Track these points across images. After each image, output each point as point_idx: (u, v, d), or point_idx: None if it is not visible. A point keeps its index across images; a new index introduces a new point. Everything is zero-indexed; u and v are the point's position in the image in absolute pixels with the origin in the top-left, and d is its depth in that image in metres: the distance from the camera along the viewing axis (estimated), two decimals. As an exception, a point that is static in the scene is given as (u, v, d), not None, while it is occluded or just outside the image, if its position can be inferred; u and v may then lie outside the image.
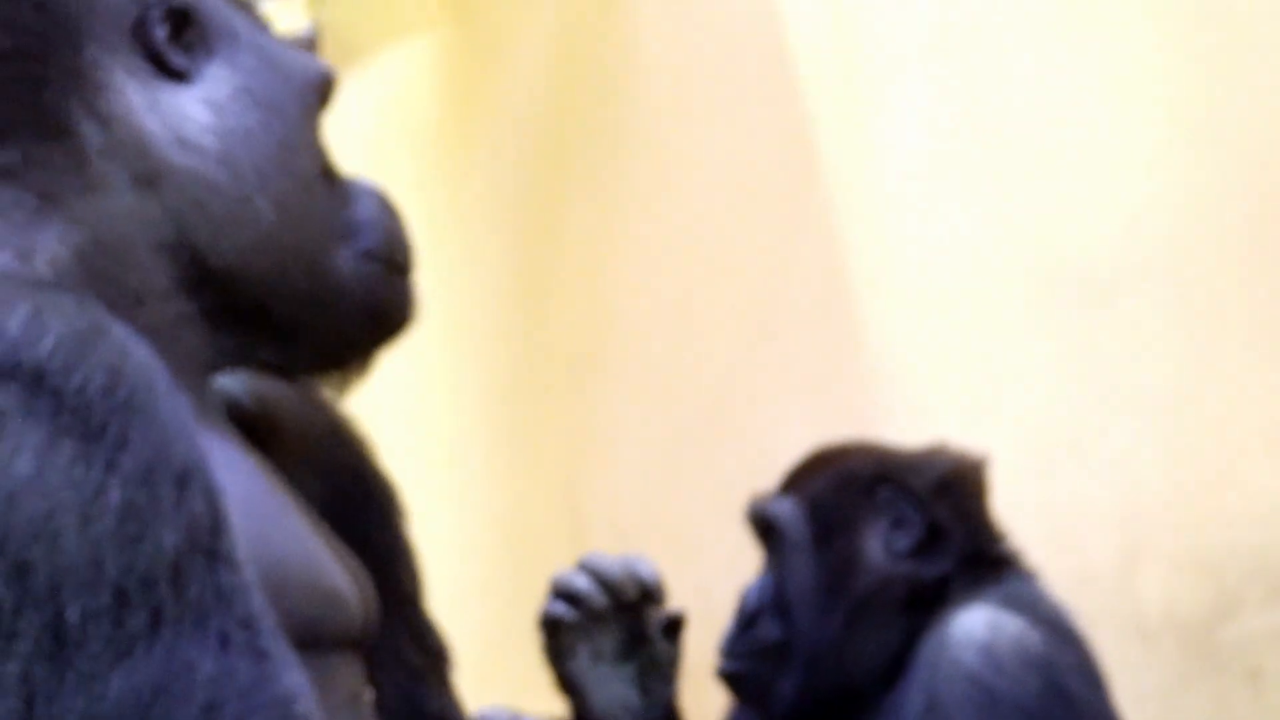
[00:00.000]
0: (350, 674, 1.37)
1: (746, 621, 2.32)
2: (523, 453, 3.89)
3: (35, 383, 1.12)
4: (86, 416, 1.12)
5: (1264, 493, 2.67)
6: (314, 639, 1.27)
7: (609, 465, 3.68)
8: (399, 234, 1.51)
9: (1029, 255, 2.99)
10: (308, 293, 1.42)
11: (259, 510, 1.30)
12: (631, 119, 3.73)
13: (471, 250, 4.01)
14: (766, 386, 3.38)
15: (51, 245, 1.31)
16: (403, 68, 4.26)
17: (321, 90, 1.48)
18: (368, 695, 1.41)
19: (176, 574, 1.12)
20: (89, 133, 1.35)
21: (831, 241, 3.28)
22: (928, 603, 2.23)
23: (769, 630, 2.30)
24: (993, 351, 3.03)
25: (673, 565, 3.50)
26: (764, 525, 2.36)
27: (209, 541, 1.14)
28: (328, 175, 1.47)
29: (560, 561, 3.68)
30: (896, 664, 2.25)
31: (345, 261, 1.45)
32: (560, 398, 3.81)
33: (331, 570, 1.37)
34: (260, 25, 1.49)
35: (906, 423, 3.11)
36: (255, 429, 1.49)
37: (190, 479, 1.14)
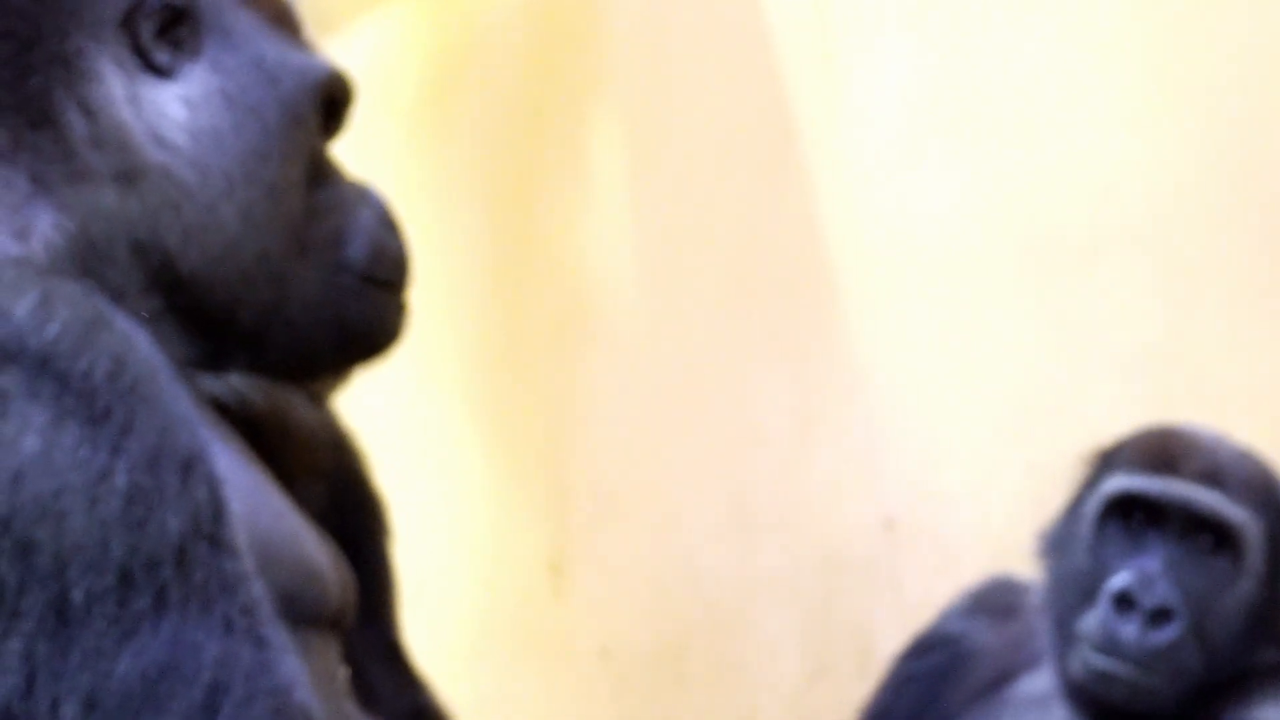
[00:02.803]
0: (326, 652, 1.38)
1: (1180, 635, 2.13)
2: (504, 423, 3.89)
3: (40, 366, 1.13)
4: (91, 400, 1.13)
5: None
6: (292, 614, 1.27)
7: (590, 434, 3.69)
8: (390, 248, 1.48)
9: (1007, 219, 3.00)
10: (271, 305, 1.40)
11: (245, 487, 1.31)
12: (608, 88, 3.73)
13: (450, 220, 4.01)
14: (747, 354, 3.39)
15: (46, 230, 1.31)
16: (380, 38, 4.25)
17: (324, 93, 1.45)
18: (343, 674, 1.41)
19: (181, 558, 1.13)
20: (74, 122, 1.34)
21: (809, 207, 3.28)
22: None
23: (1193, 648, 2.14)
24: (973, 315, 3.04)
25: (656, 533, 3.52)
26: (1203, 522, 2.17)
27: (212, 528, 1.15)
28: (319, 181, 1.45)
29: (544, 531, 3.70)
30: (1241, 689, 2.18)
31: (315, 275, 1.43)
32: (541, 367, 3.81)
33: (313, 551, 1.37)
34: (270, 25, 1.46)
35: (887, 388, 3.12)
36: (263, 429, 1.49)
37: (194, 467, 1.15)
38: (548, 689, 3.68)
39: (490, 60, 3.99)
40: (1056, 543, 2.28)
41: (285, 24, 1.49)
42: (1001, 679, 2.30)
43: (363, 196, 1.48)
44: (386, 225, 1.49)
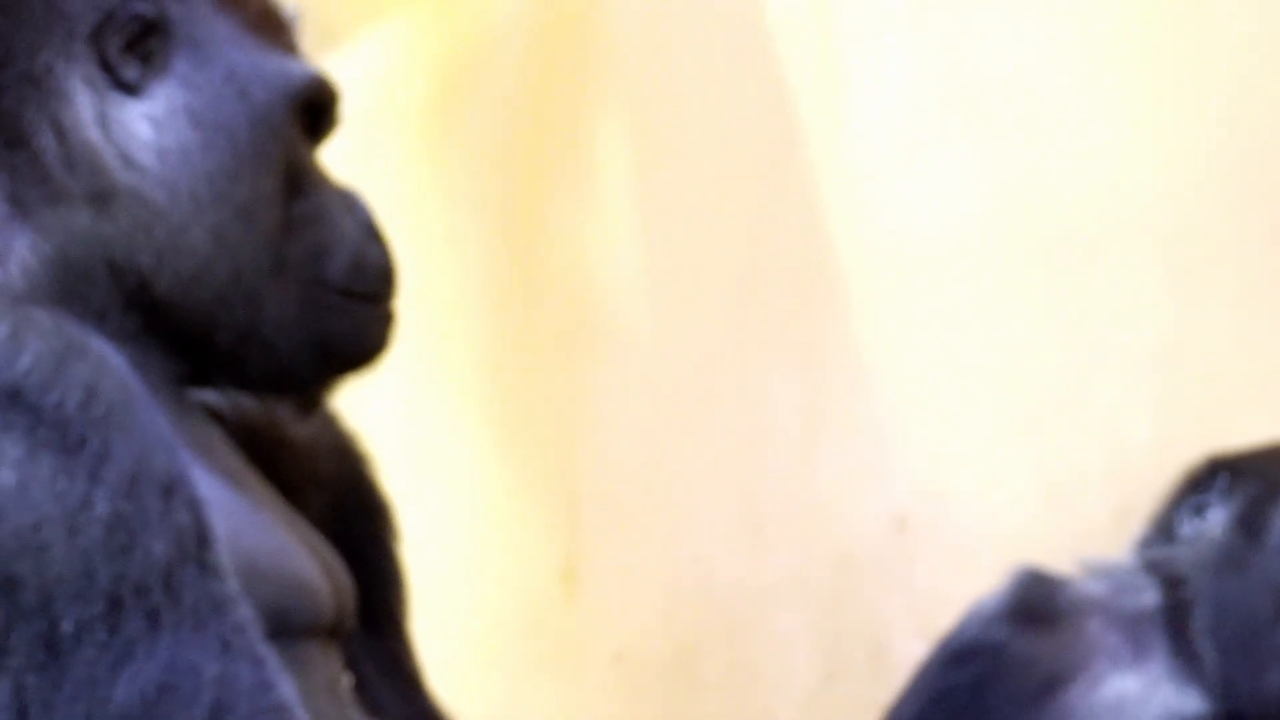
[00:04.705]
0: (326, 661, 1.37)
1: None
2: (514, 431, 3.89)
3: (11, 399, 1.12)
4: (65, 431, 1.12)
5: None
6: (285, 628, 1.27)
7: (600, 440, 3.68)
8: (372, 259, 1.45)
9: (1014, 217, 3.00)
10: (248, 324, 1.39)
11: (230, 507, 1.30)
12: (613, 94, 3.73)
13: (456, 230, 4.01)
14: (755, 356, 3.38)
15: (24, 253, 1.30)
16: (386, 49, 4.25)
17: (301, 100, 1.43)
18: (346, 681, 1.40)
19: (169, 581, 1.12)
20: (46, 143, 1.32)
21: (814, 208, 3.28)
22: None
23: None
24: (980, 313, 3.04)
25: (667, 537, 3.52)
26: None
27: (197, 551, 1.14)
28: (299, 190, 1.42)
29: (555, 538, 3.70)
30: None
31: (293, 291, 1.41)
32: (549, 373, 3.81)
33: (301, 563, 1.36)
34: (249, 29, 1.43)
35: (896, 387, 3.12)
36: (260, 437, 1.47)
37: (175, 490, 1.14)
38: (561, 696, 3.68)
39: (495, 70, 3.99)
40: (1227, 559, 2.25)
41: (267, 26, 1.46)
42: (1052, 686, 2.26)
43: (347, 204, 1.46)
44: (369, 235, 1.46)
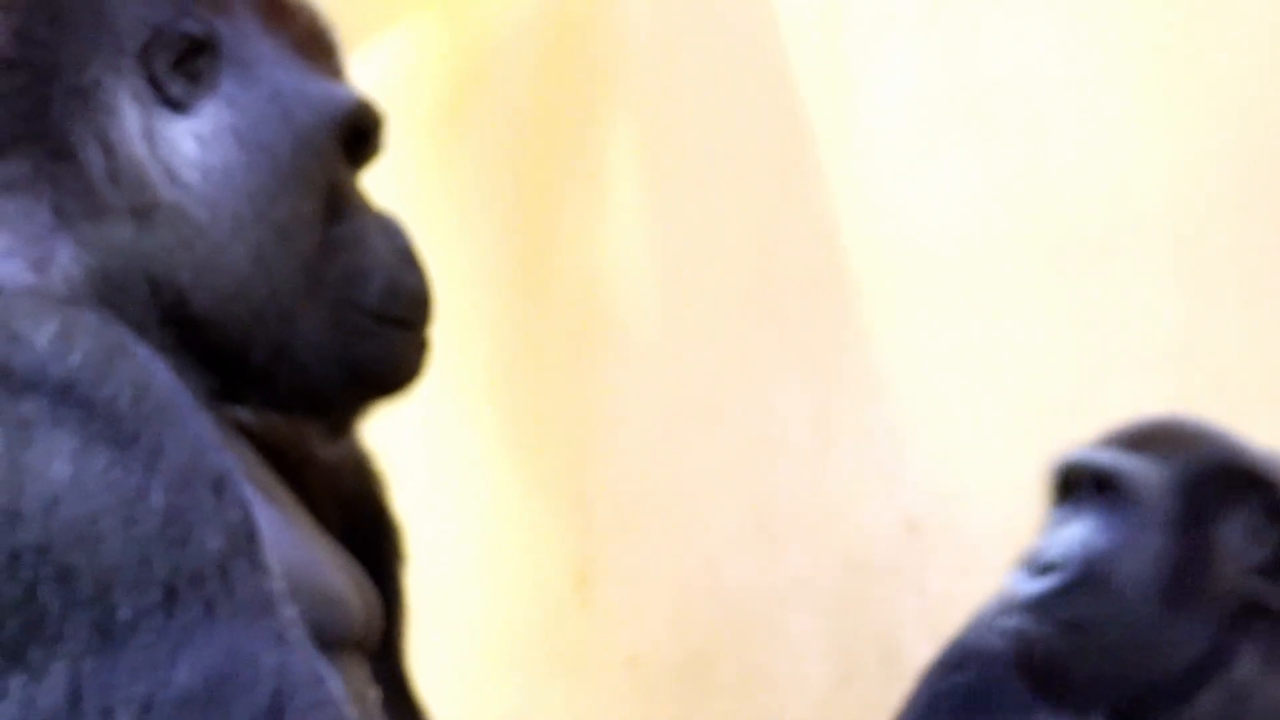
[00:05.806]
0: (355, 674, 1.37)
1: (1064, 583, 2.07)
2: (526, 436, 3.90)
3: (63, 394, 1.13)
4: (118, 425, 1.13)
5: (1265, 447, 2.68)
6: (319, 640, 1.27)
7: (613, 445, 3.69)
8: (407, 285, 1.45)
9: (1023, 218, 3.00)
10: (281, 345, 1.39)
11: (265, 516, 1.30)
12: (624, 97, 3.73)
13: (468, 232, 4.02)
14: (765, 359, 3.39)
15: (66, 263, 1.31)
16: (397, 53, 4.27)
17: (345, 125, 1.43)
18: (374, 695, 1.41)
19: (224, 574, 1.13)
20: (92, 157, 1.33)
21: (823, 210, 3.29)
22: (1243, 625, 2.08)
23: (1088, 599, 2.07)
24: (989, 315, 3.04)
25: (679, 541, 3.52)
26: (1101, 479, 2.13)
27: (248, 547, 1.15)
28: (339, 214, 1.43)
29: (569, 543, 3.70)
30: (1192, 678, 2.09)
31: (326, 313, 1.41)
32: (561, 378, 3.81)
33: (333, 576, 1.37)
34: (296, 52, 1.44)
35: (906, 390, 3.12)
36: (286, 454, 1.48)
37: (225, 486, 1.15)
38: (576, 700, 3.69)
39: (506, 74, 4.00)
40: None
41: (314, 49, 1.47)
42: None
43: (384, 229, 1.46)
44: (405, 260, 1.47)
